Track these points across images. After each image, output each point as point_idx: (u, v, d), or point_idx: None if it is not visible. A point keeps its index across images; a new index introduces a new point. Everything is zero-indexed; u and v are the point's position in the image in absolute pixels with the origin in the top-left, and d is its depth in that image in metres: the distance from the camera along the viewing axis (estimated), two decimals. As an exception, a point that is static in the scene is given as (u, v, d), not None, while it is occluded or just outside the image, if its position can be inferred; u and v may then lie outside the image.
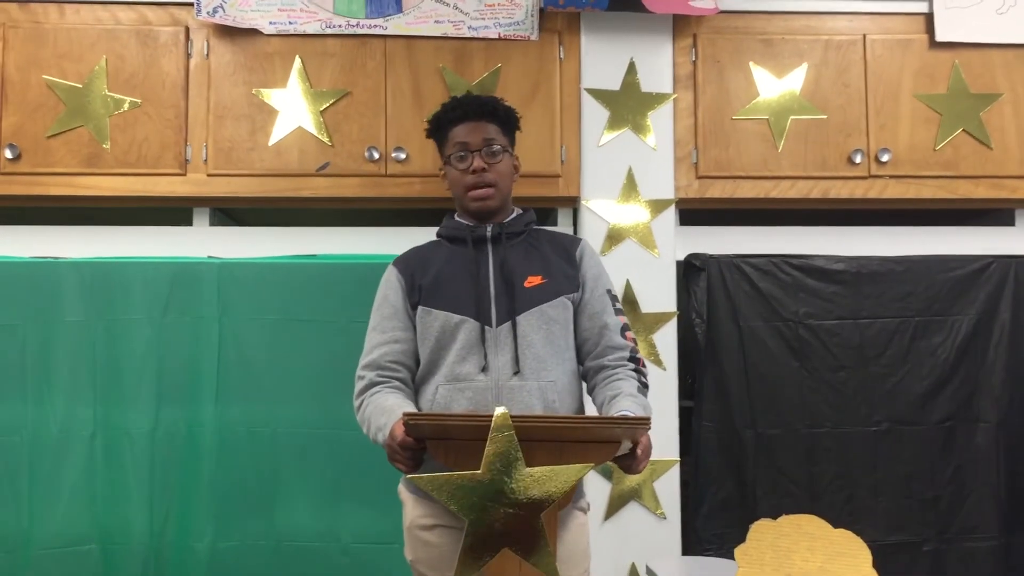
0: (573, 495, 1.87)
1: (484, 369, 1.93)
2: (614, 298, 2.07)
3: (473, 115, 2.04)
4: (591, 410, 2.07)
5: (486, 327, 1.95)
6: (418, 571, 1.97)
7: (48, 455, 2.78)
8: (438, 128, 2.10)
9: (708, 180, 2.99)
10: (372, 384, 1.98)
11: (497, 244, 2.04)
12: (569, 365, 2.02)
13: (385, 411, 1.88)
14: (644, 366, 2.03)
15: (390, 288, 2.06)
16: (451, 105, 2.09)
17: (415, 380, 2.03)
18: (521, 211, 2.13)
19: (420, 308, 2.00)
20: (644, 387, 1.98)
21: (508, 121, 2.10)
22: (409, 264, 2.08)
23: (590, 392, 2.05)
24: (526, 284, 1.99)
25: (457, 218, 2.12)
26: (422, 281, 2.02)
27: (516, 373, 1.93)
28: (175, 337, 2.82)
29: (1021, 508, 3.04)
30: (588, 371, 2.05)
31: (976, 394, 3.03)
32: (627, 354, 2.01)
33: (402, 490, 2.03)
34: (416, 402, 1.99)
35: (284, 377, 2.82)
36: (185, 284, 2.83)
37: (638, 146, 2.97)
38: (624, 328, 2.04)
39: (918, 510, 3.00)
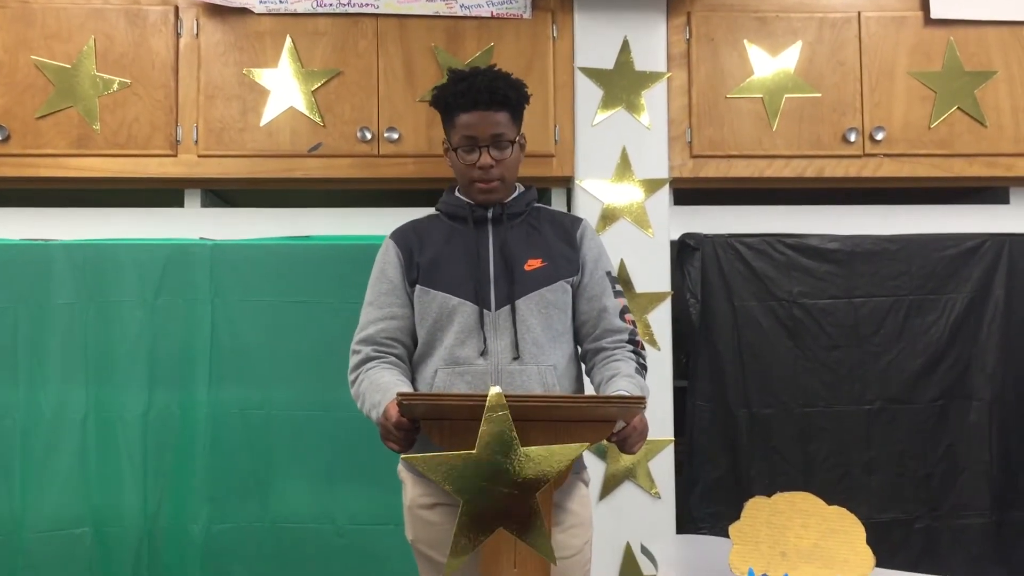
0: (569, 473, 1.87)
1: (483, 353, 1.92)
2: (614, 280, 2.06)
3: (483, 104, 1.94)
4: (590, 391, 2.07)
5: (484, 311, 1.94)
6: (419, 550, 1.97)
7: (40, 438, 2.77)
8: (444, 109, 2.01)
9: (702, 159, 2.98)
10: (368, 359, 1.97)
11: (498, 225, 2.02)
12: (567, 348, 2.02)
13: (380, 388, 1.87)
14: (643, 348, 2.03)
15: (388, 263, 2.03)
16: (460, 90, 1.95)
17: (412, 359, 2.02)
18: (523, 189, 2.10)
19: (418, 287, 1.98)
20: (642, 368, 1.98)
21: (519, 105, 2.03)
22: (407, 239, 2.04)
23: (588, 373, 2.05)
24: (526, 267, 1.97)
25: (458, 194, 2.08)
26: (420, 259, 2.00)
27: (516, 358, 1.92)
28: (168, 319, 2.81)
29: (1013, 486, 3.05)
30: (586, 353, 2.05)
31: (969, 372, 3.04)
32: (626, 336, 2.01)
33: (401, 470, 2.03)
34: (413, 382, 1.99)
35: (278, 359, 2.81)
36: (177, 266, 2.82)
37: (632, 125, 2.95)
38: (623, 311, 2.03)
39: (911, 488, 3.01)
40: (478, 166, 1.97)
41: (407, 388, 1.91)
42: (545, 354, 1.94)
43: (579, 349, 2.08)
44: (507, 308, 1.94)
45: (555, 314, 1.97)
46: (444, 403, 1.74)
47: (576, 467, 1.97)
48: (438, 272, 1.98)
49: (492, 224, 2.02)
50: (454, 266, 1.98)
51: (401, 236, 2.06)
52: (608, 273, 2.06)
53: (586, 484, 2.04)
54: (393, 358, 1.98)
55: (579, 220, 2.12)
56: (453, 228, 2.04)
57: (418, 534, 1.96)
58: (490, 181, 1.98)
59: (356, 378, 1.97)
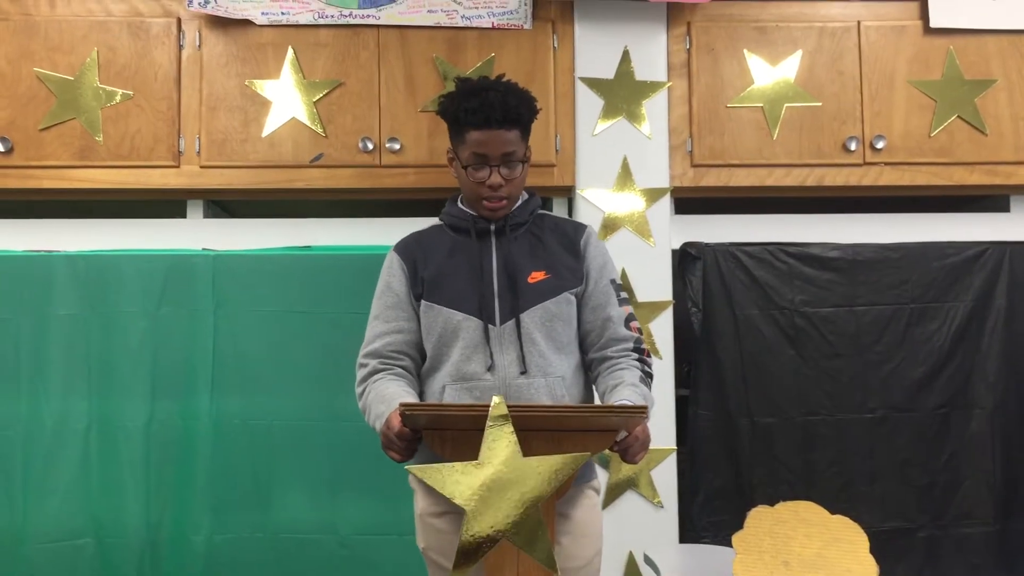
0: (572, 482, 1.86)
1: (490, 368, 1.92)
2: (618, 288, 2.05)
3: (495, 123, 1.91)
4: (598, 400, 2.06)
5: (490, 325, 1.94)
6: (430, 558, 1.97)
7: (42, 449, 2.78)
8: (452, 122, 1.98)
9: (703, 168, 2.98)
10: (375, 371, 1.97)
11: (501, 237, 2.01)
12: (573, 359, 2.01)
13: (385, 399, 1.87)
14: (649, 356, 2.01)
15: (393, 276, 2.03)
16: (472, 106, 1.91)
17: (421, 371, 2.02)
18: (527, 196, 2.08)
19: (423, 303, 1.98)
20: (648, 376, 1.96)
21: (529, 121, 2.01)
22: (411, 251, 2.04)
23: (593, 382, 2.04)
24: (529, 280, 1.97)
25: (461, 205, 2.07)
26: (424, 272, 1.99)
27: (523, 372, 1.91)
28: (170, 330, 2.82)
29: (1016, 494, 3.04)
30: (591, 363, 2.03)
31: (971, 380, 3.03)
32: (631, 345, 1.99)
33: (413, 479, 2.02)
34: (421, 395, 1.98)
35: (280, 369, 2.82)
36: (179, 276, 2.83)
37: (633, 135, 2.96)
38: (628, 319, 2.01)
39: (913, 496, 3.01)
40: (488, 185, 1.95)
41: (412, 399, 1.91)
42: (552, 366, 1.94)
43: (584, 358, 2.06)
44: (512, 322, 1.94)
45: (560, 326, 1.97)
46: (446, 413, 1.74)
47: (587, 475, 1.97)
48: (442, 287, 1.97)
49: (495, 236, 2.02)
50: (458, 281, 1.97)
51: (405, 249, 2.06)
52: (613, 281, 2.04)
53: (597, 492, 2.03)
54: (400, 370, 1.98)
55: (583, 227, 2.10)
56: (456, 240, 2.03)
57: (429, 542, 1.97)
58: (499, 200, 1.97)
59: (363, 391, 1.97)
